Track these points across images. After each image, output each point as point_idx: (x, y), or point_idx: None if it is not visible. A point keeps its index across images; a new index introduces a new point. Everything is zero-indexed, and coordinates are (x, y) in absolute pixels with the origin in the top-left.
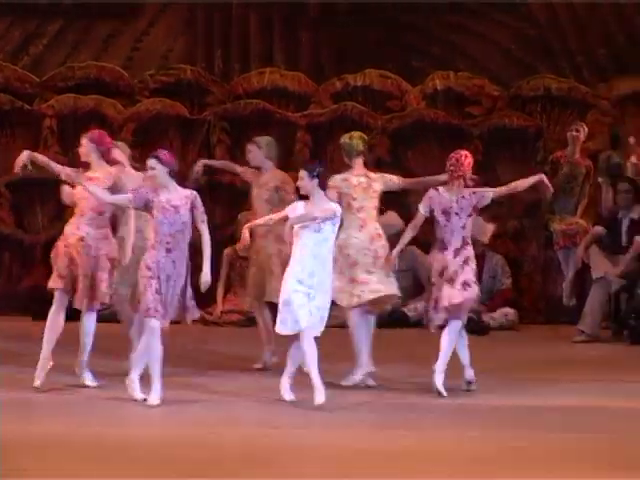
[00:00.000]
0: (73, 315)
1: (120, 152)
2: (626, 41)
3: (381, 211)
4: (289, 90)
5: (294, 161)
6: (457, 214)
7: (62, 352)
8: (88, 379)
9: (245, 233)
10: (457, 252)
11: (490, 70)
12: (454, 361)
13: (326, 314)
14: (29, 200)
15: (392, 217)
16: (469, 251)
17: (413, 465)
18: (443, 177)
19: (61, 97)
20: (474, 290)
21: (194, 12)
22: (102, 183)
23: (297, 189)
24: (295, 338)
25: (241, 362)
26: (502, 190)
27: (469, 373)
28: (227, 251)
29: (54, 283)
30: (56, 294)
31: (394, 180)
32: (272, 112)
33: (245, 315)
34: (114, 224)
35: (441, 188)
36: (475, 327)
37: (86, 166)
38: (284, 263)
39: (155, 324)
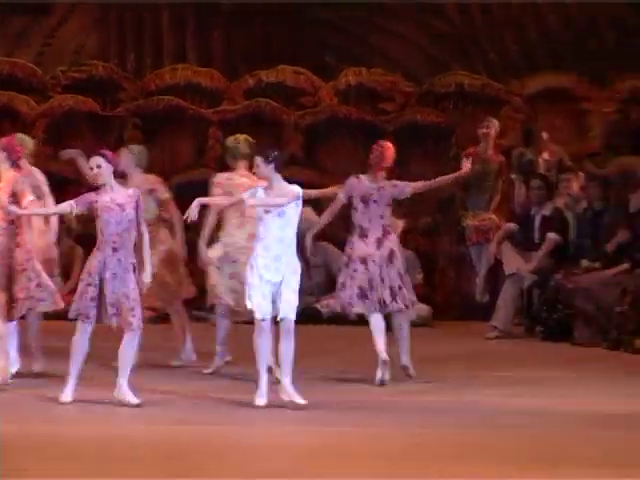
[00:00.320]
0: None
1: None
2: (538, 39)
3: None
4: (202, 86)
5: (206, 157)
6: (375, 202)
7: None
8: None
9: (194, 208)
10: (380, 242)
11: (403, 66)
12: (363, 358)
13: (297, 296)
14: None
15: (308, 213)
16: (393, 242)
17: (326, 462)
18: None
19: None
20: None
21: (106, 8)
22: (5, 193)
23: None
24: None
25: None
26: (419, 185)
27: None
28: None
29: None
30: None
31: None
32: (185, 108)
33: (158, 312)
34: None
35: (362, 176)
36: (386, 322)
37: None
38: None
39: (83, 327)
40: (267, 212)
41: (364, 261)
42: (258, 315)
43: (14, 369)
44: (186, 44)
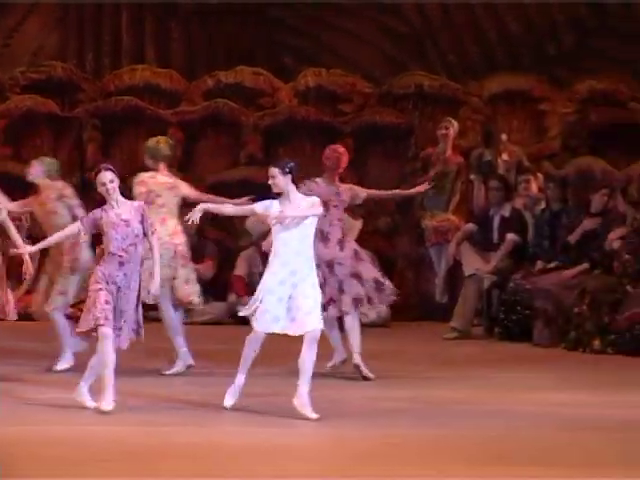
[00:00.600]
0: None
1: None
2: (498, 40)
3: None
4: (161, 87)
5: None
6: (336, 206)
7: None
8: None
9: (197, 212)
10: (342, 243)
11: (362, 67)
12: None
13: (319, 306)
14: None
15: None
16: (352, 243)
17: (289, 463)
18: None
19: None
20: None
21: (65, 9)
22: None
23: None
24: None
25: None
26: (374, 193)
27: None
28: None
29: None
30: None
31: (186, 192)
32: (143, 109)
33: None
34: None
35: (319, 180)
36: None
37: None
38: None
39: (106, 331)
40: (286, 229)
41: (330, 264)
42: (258, 328)
43: None
44: (145, 44)
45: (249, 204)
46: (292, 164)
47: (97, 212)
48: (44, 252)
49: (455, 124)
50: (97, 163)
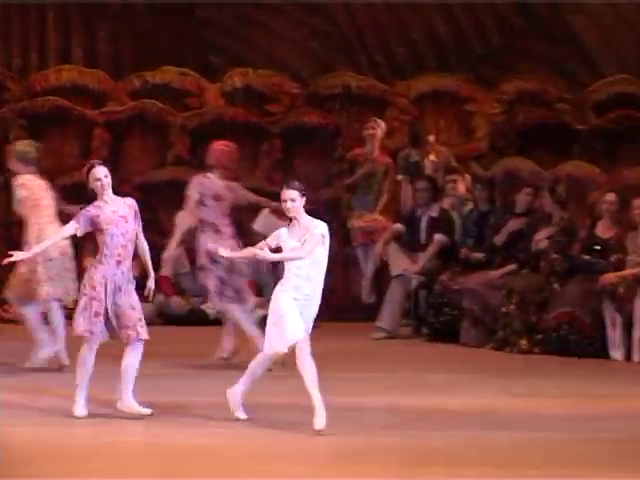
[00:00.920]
0: None
1: None
2: (425, 40)
3: None
4: (88, 87)
5: (92, 158)
6: (226, 200)
7: None
8: None
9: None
10: (234, 236)
11: (290, 68)
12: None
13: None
14: None
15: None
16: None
17: (222, 463)
18: None
19: None
20: None
21: None
22: None
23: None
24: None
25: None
26: (253, 198)
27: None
28: None
29: None
30: None
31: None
32: (70, 109)
33: None
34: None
35: (211, 175)
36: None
37: None
38: None
39: (89, 344)
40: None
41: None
42: (285, 349)
43: None
44: (72, 44)
45: None
46: (302, 185)
47: (91, 210)
48: None
49: (382, 124)
50: None
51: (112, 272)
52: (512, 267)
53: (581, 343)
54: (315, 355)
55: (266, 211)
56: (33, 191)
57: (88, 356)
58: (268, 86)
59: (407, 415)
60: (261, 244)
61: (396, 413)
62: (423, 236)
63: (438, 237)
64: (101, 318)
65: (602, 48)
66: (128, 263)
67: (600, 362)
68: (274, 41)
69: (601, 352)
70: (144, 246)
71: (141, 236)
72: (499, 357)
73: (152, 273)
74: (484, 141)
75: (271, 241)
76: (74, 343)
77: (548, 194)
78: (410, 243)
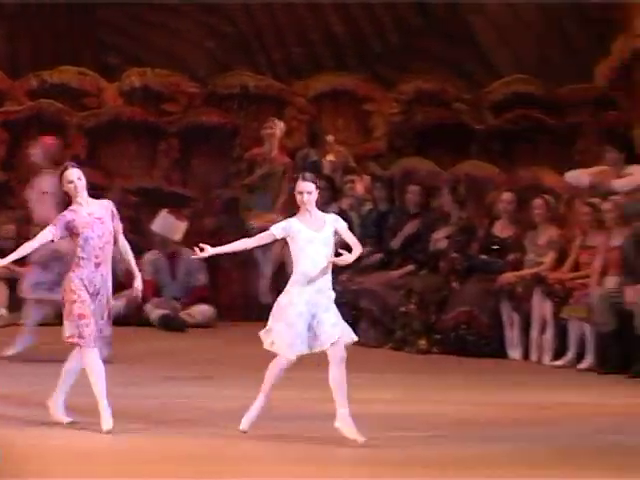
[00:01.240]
0: None
1: None
2: (323, 40)
3: None
4: None
5: None
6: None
7: None
8: None
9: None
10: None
11: (188, 67)
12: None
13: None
14: None
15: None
16: None
17: (144, 465)
18: None
19: None
20: None
21: None
22: None
23: None
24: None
25: None
26: None
27: None
28: None
29: None
30: None
31: None
32: None
33: None
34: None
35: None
36: (171, 323)
37: None
38: None
39: (85, 348)
40: (313, 246)
41: None
42: (291, 356)
43: None
44: None
45: None
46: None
47: (66, 215)
48: None
49: (280, 124)
50: None
51: (91, 275)
52: (411, 268)
53: (478, 343)
54: (214, 355)
55: (164, 212)
56: None
57: (94, 362)
58: (166, 85)
59: (304, 415)
60: (265, 237)
61: (293, 415)
62: None
63: (336, 238)
64: (88, 320)
65: (499, 48)
66: (107, 266)
67: (498, 362)
68: (173, 41)
69: (498, 351)
70: (126, 247)
71: (121, 237)
72: (398, 357)
73: (138, 273)
74: (382, 141)
75: (279, 233)
76: None
77: (449, 193)
78: None
